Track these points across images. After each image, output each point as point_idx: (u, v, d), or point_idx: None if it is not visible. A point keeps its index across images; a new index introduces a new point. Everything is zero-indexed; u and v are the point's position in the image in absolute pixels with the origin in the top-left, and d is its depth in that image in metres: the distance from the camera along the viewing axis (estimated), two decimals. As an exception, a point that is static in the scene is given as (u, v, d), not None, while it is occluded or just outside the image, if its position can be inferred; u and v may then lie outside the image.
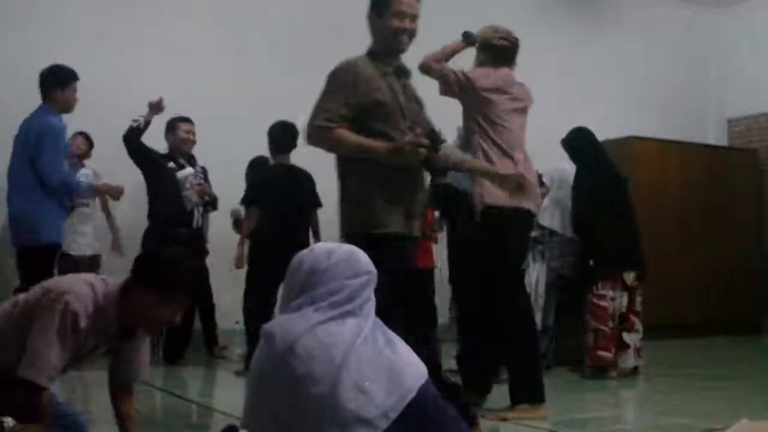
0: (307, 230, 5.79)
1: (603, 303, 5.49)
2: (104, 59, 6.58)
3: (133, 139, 5.70)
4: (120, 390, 2.83)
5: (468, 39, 4.30)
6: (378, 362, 1.97)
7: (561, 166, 6.26)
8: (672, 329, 6.61)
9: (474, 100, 4.10)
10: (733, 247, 8.93)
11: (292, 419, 1.94)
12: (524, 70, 9.15)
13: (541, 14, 9.10)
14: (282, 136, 5.71)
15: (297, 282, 2.12)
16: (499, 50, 4.27)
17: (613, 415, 4.32)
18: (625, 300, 5.58)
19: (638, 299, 5.66)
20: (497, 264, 4.02)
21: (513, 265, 4.14)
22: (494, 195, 3.92)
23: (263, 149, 6.11)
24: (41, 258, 4.71)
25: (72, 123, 5.63)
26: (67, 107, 4.96)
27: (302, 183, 5.75)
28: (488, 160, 4.00)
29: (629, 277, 5.56)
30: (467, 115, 4.16)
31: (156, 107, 5.71)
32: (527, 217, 4.10)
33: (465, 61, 4.34)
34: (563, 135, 6.19)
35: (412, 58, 4.42)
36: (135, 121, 5.68)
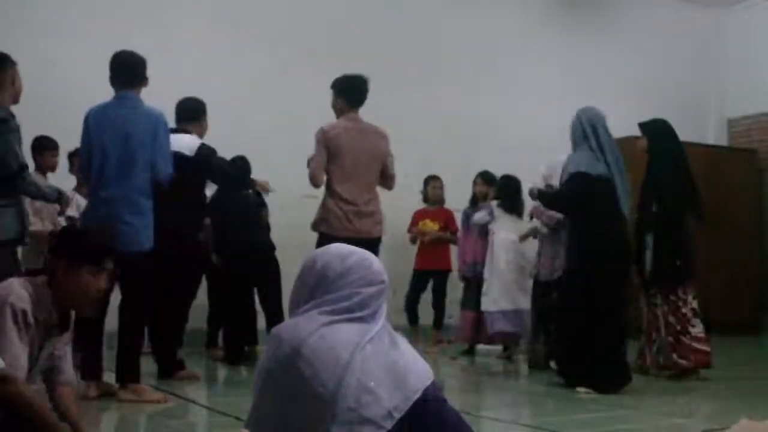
0: None
1: (693, 306, 5.51)
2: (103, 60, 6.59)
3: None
4: (60, 386, 2.93)
5: None
6: (383, 362, 1.97)
7: (561, 159, 6.28)
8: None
9: (326, 142, 5.00)
10: (733, 247, 8.93)
11: (297, 420, 1.94)
12: (525, 71, 9.21)
13: (542, 16, 9.12)
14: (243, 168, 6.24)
15: (307, 285, 2.09)
16: (351, 94, 5.08)
17: (613, 415, 4.31)
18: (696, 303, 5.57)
19: None
20: None
21: None
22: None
23: (262, 148, 6.15)
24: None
25: (67, 123, 5.62)
26: None
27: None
28: (326, 184, 5.04)
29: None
30: None
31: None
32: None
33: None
34: (563, 135, 6.16)
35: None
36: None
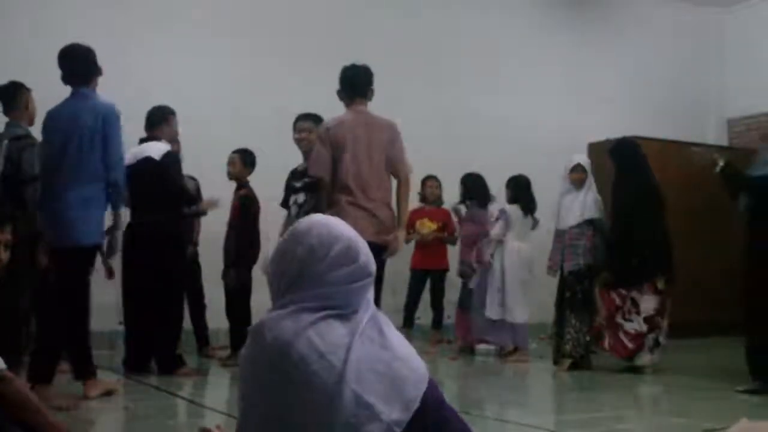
0: None
1: (648, 305, 5.75)
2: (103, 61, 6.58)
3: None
4: None
5: None
6: (377, 367, 1.85)
7: (580, 158, 6.44)
8: (671, 329, 6.62)
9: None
10: (732, 247, 8.91)
11: (289, 426, 1.83)
12: (525, 71, 9.19)
13: (542, 15, 9.12)
14: None
15: (289, 272, 1.93)
16: (343, 86, 4.84)
17: (614, 415, 4.31)
18: (653, 303, 5.74)
19: (668, 301, 5.86)
20: None
21: None
22: None
23: (261, 147, 6.16)
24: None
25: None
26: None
27: None
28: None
29: (660, 281, 5.75)
30: None
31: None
32: None
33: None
34: (562, 134, 6.19)
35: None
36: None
